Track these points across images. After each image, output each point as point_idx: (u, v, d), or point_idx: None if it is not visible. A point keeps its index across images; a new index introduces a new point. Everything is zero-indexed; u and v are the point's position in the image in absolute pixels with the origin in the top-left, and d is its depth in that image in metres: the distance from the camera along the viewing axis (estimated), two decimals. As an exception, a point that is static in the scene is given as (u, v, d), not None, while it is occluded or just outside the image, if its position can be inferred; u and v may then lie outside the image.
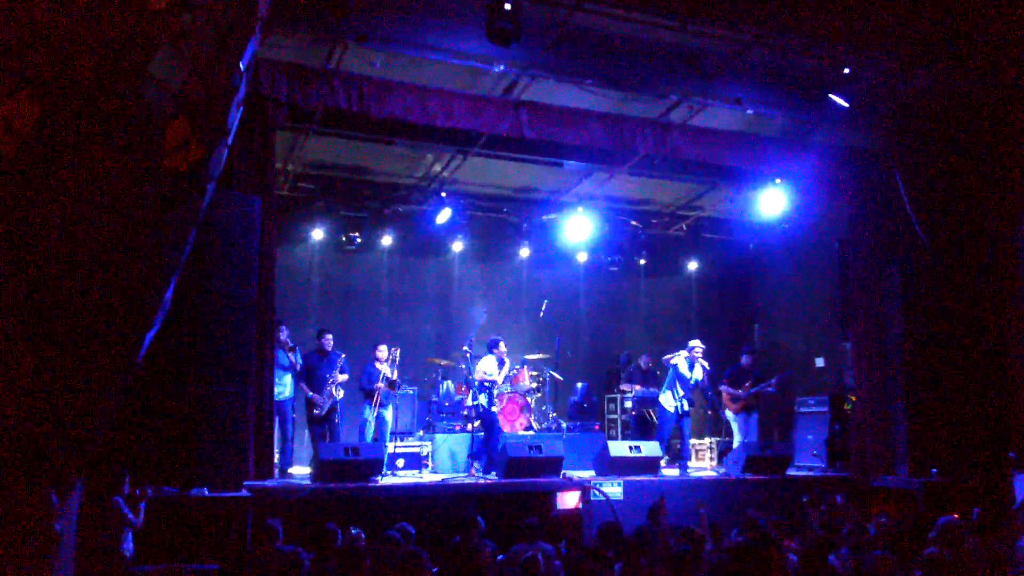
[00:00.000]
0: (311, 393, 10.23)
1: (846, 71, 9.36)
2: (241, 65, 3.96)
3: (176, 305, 4.45)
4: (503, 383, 10.86)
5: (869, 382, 11.23)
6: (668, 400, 10.97)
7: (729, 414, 11.81)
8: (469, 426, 10.78)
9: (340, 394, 10.35)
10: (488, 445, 10.06)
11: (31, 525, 3.71)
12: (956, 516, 7.30)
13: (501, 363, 10.65)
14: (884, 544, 6.52)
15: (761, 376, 11.69)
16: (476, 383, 10.44)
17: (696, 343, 11.18)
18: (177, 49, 3.49)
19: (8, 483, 3.62)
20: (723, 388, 11.74)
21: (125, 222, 3.55)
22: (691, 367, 11.00)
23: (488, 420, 10.24)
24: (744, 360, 11.87)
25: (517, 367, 12.34)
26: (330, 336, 10.54)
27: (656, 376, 12.97)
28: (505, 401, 11.61)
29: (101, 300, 3.59)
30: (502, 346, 10.69)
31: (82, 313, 3.55)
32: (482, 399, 10.25)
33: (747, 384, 11.60)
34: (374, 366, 10.66)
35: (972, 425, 10.54)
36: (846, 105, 9.58)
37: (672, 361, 11.17)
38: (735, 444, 11.62)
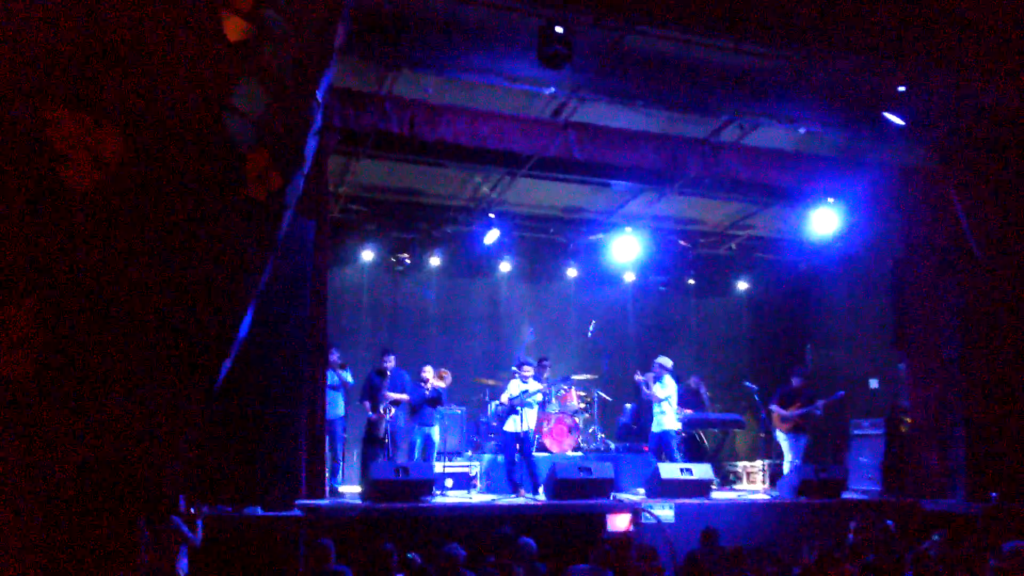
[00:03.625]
0: (370, 412, 10.32)
1: (901, 89, 9.22)
2: (318, 95, 4.03)
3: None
4: (516, 397, 10.45)
5: (925, 403, 10.99)
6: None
7: (780, 435, 11.63)
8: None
9: (391, 413, 10.39)
10: (508, 468, 10.12)
11: (123, 556, 3.77)
12: None
13: (525, 380, 10.51)
14: (947, 569, 6.35)
15: (812, 396, 11.50)
16: (498, 406, 10.50)
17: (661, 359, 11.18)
18: (258, 80, 3.56)
19: (103, 515, 3.68)
20: (773, 408, 11.58)
21: (208, 253, 3.62)
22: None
23: (503, 442, 10.34)
24: (795, 381, 11.68)
25: (564, 388, 12.31)
26: (391, 356, 10.61)
27: (708, 397, 12.86)
28: (553, 422, 11.58)
29: (184, 330, 3.66)
30: (525, 369, 10.56)
31: (166, 343, 3.63)
32: (514, 421, 10.21)
33: (798, 404, 11.42)
34: (420, 386, 10.70)
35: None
36: (901, 123, 9.44)
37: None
38: (785, 466, 11.44)
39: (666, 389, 11.03)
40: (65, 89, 3.32)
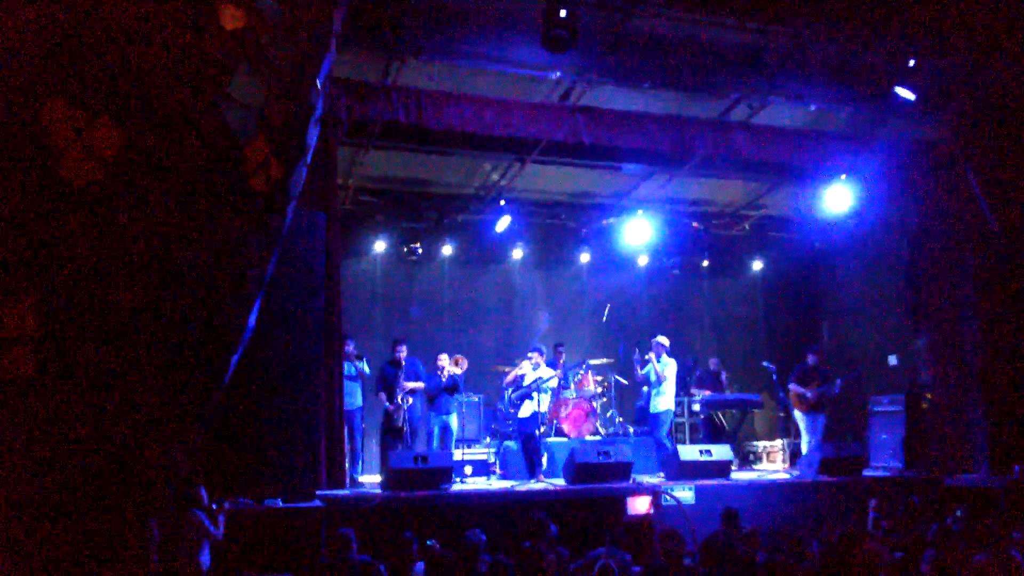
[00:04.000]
0: (387, 403, 10.34)
1: (911, 63, 9.12)
2: (318, 83, 4.01)
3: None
4: (531, 383, 10.46)
5: (945, 379, 10.92)
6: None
7: (798, 414, 11.56)
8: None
9: (408, 402, 10.41)
10: (523, 454, 10.14)
11: (132, 557, 3.79)
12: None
13: (536, 367, 10.49)
14: (974, 544, 6.31)
15: (828, 375, 11.42)
16: (511, 392, 10.54)
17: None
18: (256, 69, 3.55)
19: (110, 514, 3.70)
20: (791, 387, 11.51)
21: (209, 245, 3.62)
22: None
23: (517, 429, 10.38)
24: (811, 359, 11.58)
25: (581, 372, 12.29)
26: (404, 346, 10.62)
27: (726, 378, 12.82)
28: (571, 407, 11.57)
29: (188, 325, 3.66)
30: (534, 356, 10.52)
31: (169, 338, 3.63)
32: (529, 406, 10.25)
33: (815, 383, 11.35)
34: (435, 374, 10.71)
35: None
36: (912, 98, 9.34)
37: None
38: (803, 445, 11.41)
39: (668, 368, 10.95)
40: (61, 83, 3.31)
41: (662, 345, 11.06)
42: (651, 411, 11.11)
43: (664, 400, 10.97)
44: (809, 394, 11.32)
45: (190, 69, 3.46)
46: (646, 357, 11.08)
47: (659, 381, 10.90)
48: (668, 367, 10.94)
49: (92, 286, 3.45)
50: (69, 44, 3.32)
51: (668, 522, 8.70)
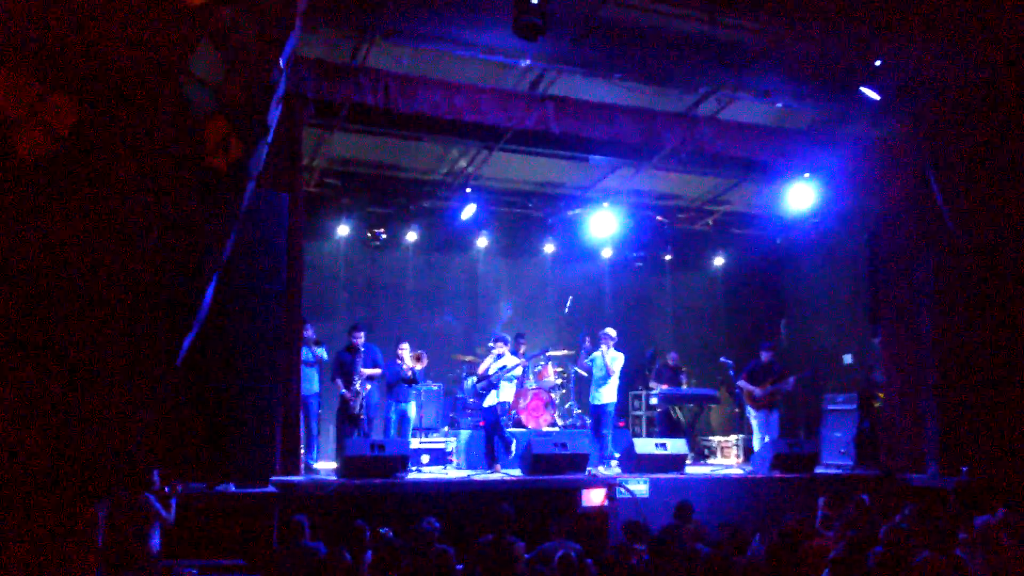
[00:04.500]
0: (343, 390, 10.22)
1: (877, 63, 9.19)
2: (281, 61, 3.92)
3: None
4: (495, 373, 10.35)
5: (899, 378, 11.08)
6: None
7: (750, 411, 11.69)
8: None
9: (367, 388, 10.32)
10: (486, 443, 10.13)
11: (77, 539, 3.71)
12: (994, 515, 7.16)
13: (500, 357, 10.42)
14: (923, 543, 6.41)
15: (783, 372, 11.54)
16: (475, 382, 10.54)
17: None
18: (217, 45, 3.46)
19: (58, 499, 3.61)
20: (742, 384, 11.62)
21: (165, 223, 3.53)
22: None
23: (483, 417, 10.36)
24: (764, 356, 11.67)
25: (542, 363, 12.31)
26: (361, 333, 10.49)
27: (684, 372, 12.90)
28: (530, 397, 11.58)
29: (140, 304, 3.57)
30: (499, 345, 10.47)
31: (121, 318, 3.54)
32: (494, 395, 10.24)
33: (767, 381, 11.45)
34: (396, 363, 10.62)
35: (1005, 422, 10.35)
36: (877, 98, 9.42)
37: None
38: (755, 441, 11.52)
39: (616, 362, 10.86)
40: (17, 55, 3.21)
41: (610, 336, 10.95)
42: (597, 403, 10.99)
43: (611, 392, 10.89)
44: (758, 392, 11.42)
45: (150, 44, 3.36)
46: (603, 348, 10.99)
47: (608, 374, 10.83)
48: (616, 360, 10.88)
49: (44, 262, 3.35)
50: (25, 15, 3.21)
51: (622, 515, 8.75)
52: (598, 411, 11.01)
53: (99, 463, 3.65)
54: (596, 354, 11.01)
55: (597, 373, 11.00)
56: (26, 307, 3.37)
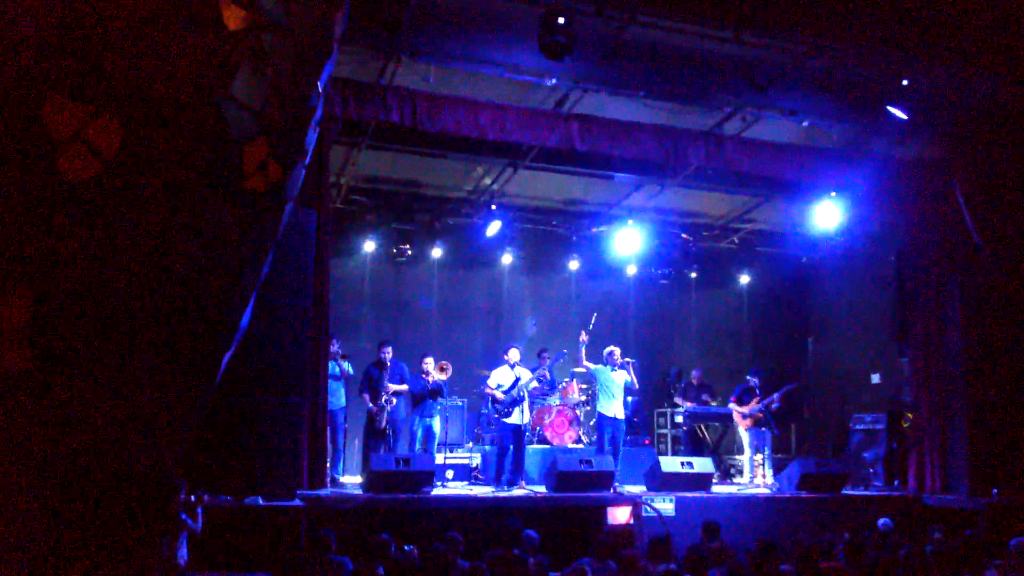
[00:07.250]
0: (370, 404, 10.28)
1: (904, 82, 9.16)
2: (319, 85, 3.99)
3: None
4: (515, 390, 10.16)
5: (928, 398, 10.97)
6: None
7: (740, 430, 11.67)
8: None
9: (392, 403, 10.36)
10: (501, 462, 9.92)
11: (139, 554, 3.74)
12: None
13: (513, 367, 10.27)
14: (945, 568, 6.34)
15: (767, 392, 11.41)
16: (488, 396, 10.31)
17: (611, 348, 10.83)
18: (257, 70, 3.53)
19: (115, 513, 3.64)
20: (731, 406, 11.64)
21: (206, 243, 3.59)
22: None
23: (501, 434, 10.10)
24: (751, 380, 11.59)
25: (566, 380, 12.30)
26: (389, 348, 10.55)
27: (710, 390, 12.84)
28: (555, 414, 11.57)
29: (182, 323, 3.63)
30: (512, 354, 10.28)
31: (164, 337, 3.59)
32: (518, 413, 10.02)
33: (752, 402, 11.39)
34: (421, 377, 10.65)
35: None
36: (904, 117, 9.38)
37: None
38: (744, 460, 11.62)
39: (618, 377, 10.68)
40: (63, 78, 3.29)
41: (613, 355, 10.75)
42: (614, 416, 10.51)
43: (618, 406, 10.58)
44: (745, 413, 11.40)
45: (192, 68, 3.44)
46: (626, 360, 10.81)
47: (633, 388, 10.78)
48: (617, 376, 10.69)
49: (87, 283, 3.41)
50: (71, 39, 3.29)
51: (648, 533, 8.71)
52: (620, 424, 10.65)
53: (151, 481, 3.70)
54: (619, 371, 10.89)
55: (613, 384, 10.68)
56: (70, 326, 3.43)
